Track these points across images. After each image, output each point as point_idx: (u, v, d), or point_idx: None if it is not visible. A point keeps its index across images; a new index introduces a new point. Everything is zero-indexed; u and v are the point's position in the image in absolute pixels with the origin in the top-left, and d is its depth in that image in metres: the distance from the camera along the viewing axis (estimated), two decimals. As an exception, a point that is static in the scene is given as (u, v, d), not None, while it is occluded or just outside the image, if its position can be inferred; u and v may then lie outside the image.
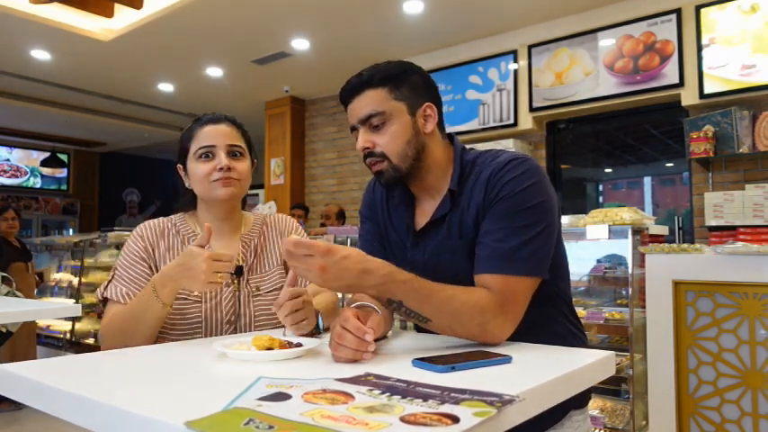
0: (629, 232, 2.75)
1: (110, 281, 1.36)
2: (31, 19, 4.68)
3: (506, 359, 0.91)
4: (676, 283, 2.44)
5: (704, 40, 3.92)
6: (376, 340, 1.10)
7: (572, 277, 1.29)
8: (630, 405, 2.70)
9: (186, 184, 1.42)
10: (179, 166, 1.43)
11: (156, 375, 0.88)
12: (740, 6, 3.80)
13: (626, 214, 2.81)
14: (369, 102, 1.15)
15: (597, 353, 0.96)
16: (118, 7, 4.82)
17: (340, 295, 1.69)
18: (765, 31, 3.72)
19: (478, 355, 0.93)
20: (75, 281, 5.65)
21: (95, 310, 5.50)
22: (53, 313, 3.10)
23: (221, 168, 1.33)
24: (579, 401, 1.17)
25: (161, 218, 1.45)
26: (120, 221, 10.64)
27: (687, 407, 2.40)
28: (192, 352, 1.07)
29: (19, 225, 4.75)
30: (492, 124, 4.91)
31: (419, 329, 1.28)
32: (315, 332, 1.19)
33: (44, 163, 9.87)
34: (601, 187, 5.75)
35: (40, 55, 5.56)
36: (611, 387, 2.89)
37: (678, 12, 4.05)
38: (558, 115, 4.73)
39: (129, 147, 10.27)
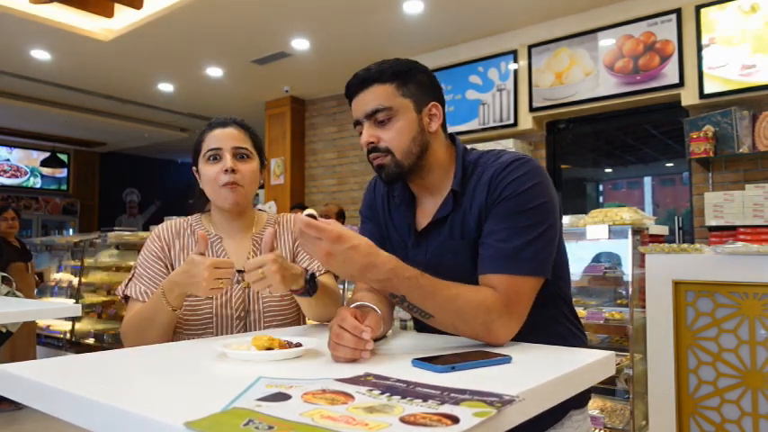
0: (629, 232, 2.75)
1: (130, 279, 1.43)
2: (31, 19, 4.68)
3: (506, 359, 0.90)
4: (676, 283, 2.44)
5: (704, 40, 3.92)
6: (376, 340, 1.10)
7: (572, 277, 1.29)
8: (630, 405, 2.70)
9: (201, 186, 1.48)
10: (193, 168, 1.50)
11: (156, 375, 0.88)
12: (740, 6, 3.80)
13: (626, 214, 2.81)
14: (376, 96, 1.14)
15: (597, 353, 0.96)
16: (118, 7, 4.82)
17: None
18: (765, 31, 3.72)
19: (478, 355, 0.93)
20: (75, 281, 5.66)
21: (95, 310, 5.50)
22: (53, 313, 3.09)
23: (227, 170, 1.38)
24: (579, 401, 1.17)
25: (179, 218, 1.53)
26: (120, 221, 10.64)
27: (687, 407, 2.40)
28: (191, 352, 1.07)
29: (19, 225, 4.75)
30: (492, 124, 4.91)
31: (419, 329, 1.28)
32: (306, 290, 1.24)
33: (44, 163, 9.87)
34: (601, 187, 5.75)
35: (40, 55, 5.56)
36: (611, 387, 2.89)
37: (678, 12, 4.05)
38: (558, 115, 4.73)
39: (129, 147, 10.27)
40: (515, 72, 4.82)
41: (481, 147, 1.30)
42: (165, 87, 6.62)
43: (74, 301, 5.32)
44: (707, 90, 3.89)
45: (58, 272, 6.14)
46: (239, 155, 1.42)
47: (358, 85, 1.16)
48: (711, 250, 2.37)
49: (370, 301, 1.10)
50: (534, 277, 1.07)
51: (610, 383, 2.84)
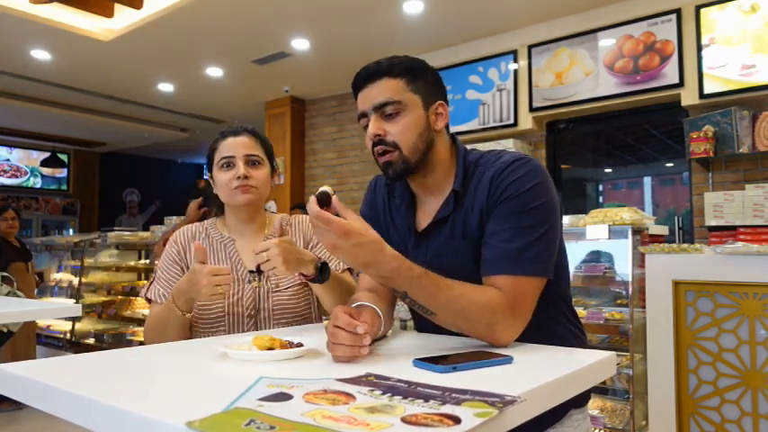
0: (629, 232, 2.75)
1: (151, 282, 1.54)
2: (31, 19, 4.67)
3: (507, 359, 0.91)
4: (676, 283, 2.44)
5: (704, 40, 3.92)
6: (376, 340, 1.11)
7: (572, 277, 1.30)
8: (630, 405, 2.70)
9: (215, 191, 1.56)
10: (208, 174, 1.59)
11: (157, 375, 0.88)
12: (740, 6, 3.80)
13: (626, 214, 2.81)
14: (385, 89, 1.14)
15: (598, 353, 0.96)
16: (118, 7, 4.81)
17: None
18: (765, 31, 3.72)
19: (480, 356, 0.93)
20: (76, 281, 5.66)
21: (95, 310, 5.50)
22: (53, 313, 3.10)
23: (239, 177, 1.46)
24: (579, 401, 1.17)
25: (196, 223, 1.63)
26: (120, 221, 10.64)
27: (687, 407, 2.40)
28: (192, 352, 1.07)
29: (19, 225, 4.75)
30: (492, 124, 4.91)
31: (420, 329, 1.28)
32: (317, 277, 1.34)
33: (44, 163, 9.87)
34: (601, 187, 5.75)
35: (40, 55, 5.56)
36: (612, 387, 2.89)
37: (678, 12, 4.05)
38: (558, 115, 4.73)
39: (129, 147, 10.26)
40: (515, 72, 4.82)
41: (481, 147, 1.30)
42: (165, 87, 6.62)
43: (74, 301, 5.33)
44: (707, 90, 3.89)
45: (58, 272, 6.15)
46: (251, 161, 1.50)
47: (368, 77, 1.16)
48: (711, 250, 2.37)
49: (369, 300, 1.10)
50: (538, 277, 1.07)
51: (610, 383, 2.84)
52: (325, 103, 6.81)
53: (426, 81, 1.18)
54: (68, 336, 5.48)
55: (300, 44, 5.20)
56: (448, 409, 0.61)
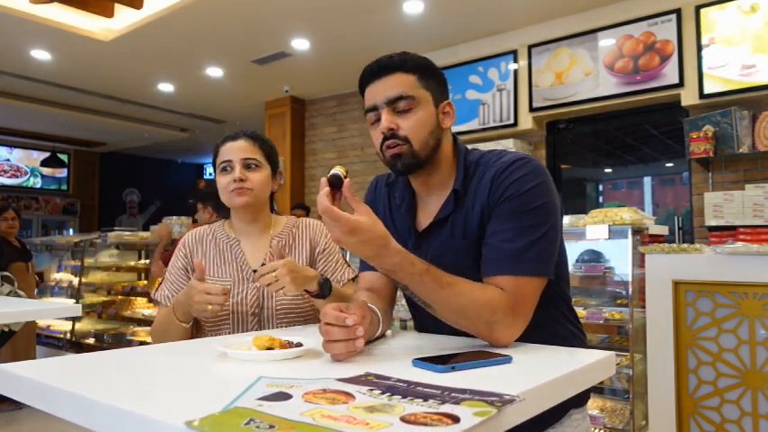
0: (629, 232, 2.75)
1: (160, 284, 1.62)
2: (31, 19, 4.68)
3: (506, 359, 0.91)
4: (676, 283, 2.44)
5: (704, 40, 3.92)
6: (374, 339, 1.11)
7: (572, 277, 1.30)
8: (630, 405, 2.70)
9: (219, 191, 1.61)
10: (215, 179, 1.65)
11: (157, 375, 0.88)
12: (740, 6, 3.80)
13: (626, 214, 2.81)
14: (398, 83, 1.13)
15: (598, 353, 0.96)
16: (118, 7, 4.82)
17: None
18: (765, 31, 3.72)
19: (479, 355, 0.93)
20: (76, 281, 5.66)
21: (95, 310, 5.50)
22: (53, 313, 3.10)
23: (236, 180, 1.51)
24: (579, 400, 1.17)
25: (205, 225, 1.68)
26: (120, 221, 10.64)
27: (687, 407, 2.40)
28: (192, 352, 1.07)
29: (19, 225, 4.75)
30: (492, 124, 4.91)
31: (420, 329, 1.28)
32: (320, 293, 1.40)
33: (44, 163, 9.87)
34: (601, 187, 5.75)
35: (40, 55, 5.56)
36: (611, 387, 2.89)
37: (678, 12, 4.05)
38: (558, 115, 4.73)
39: (129, 147, 10.27)
40: (515, 72, 4.82)
41: (481, 147, 1.30)
42: (165, 87, 6.62)
43: (74, 301, 5.33)
44: (707, 90, 3.89)
45: (58, 272, 6.15)
46: (248, 165, 1.54)
47: (381, 70, 1.15)
48: (711, 250, 2.37)
49: (367, 300, 1.11)
50: (539, 278, 1.07)
51: (610, 383, 2.84)
52: (325, 103, 6.81)
53: (436, 79, 1.18)
54: (68, 336, 5.48)
55: (300, 44, 5.21)
56: (447, 408, 0.62)
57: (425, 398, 0.66)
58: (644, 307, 2.62)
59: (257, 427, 0.54)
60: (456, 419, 0.57)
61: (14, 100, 6.99)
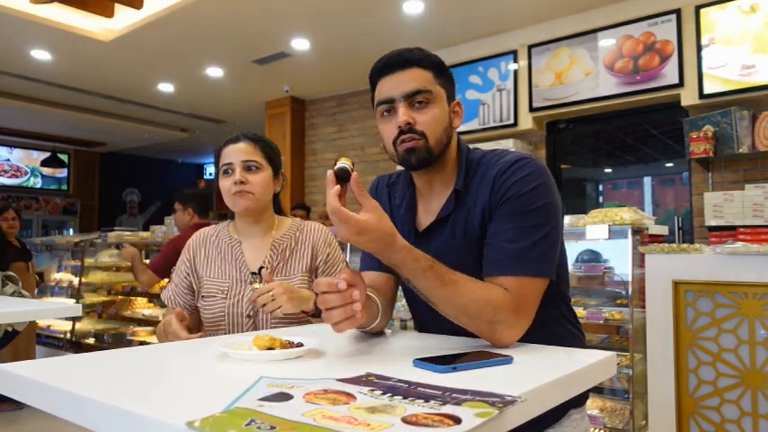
0: (629, 232, 2.75)
1: (168, 283, 1.69)
2: (31, 19, 4.68)
3: (507, 359, 0.91)
4: (676, 283, 2.44)
5: (704, 41, 3.92)
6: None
7: (572, 277, 1.30)
8: (630, 405, 2.70)
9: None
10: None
11: (158, 375, 0.88)
12: (740, 6, 3.80)
13: (626, 214, 2.81)
14: (416, 78, 1.13)
15: (598, 353, 0.96)
16: (118, 7, 4.82)
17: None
18: (765, 31, 3.72)
19: (480, 356, 0.93)
20: (76, 281, 5.65)
21: (95, 310, 5.50)
22: (53, 313, 3.10)
23: (236, 182, 1.53)
24: (578, 400, 1.17)
25: (212, 226, 1.71)
26: (121, 221, 10.64)
27: (687, 407, 2.40)
28: (192, 352, 1.07)
29: (19, 225, 4.75)
30: (492, 124, 4.91)
31: (420, 329, 1.28)
32: (316, 312, 1.38)
33: (44, 163, 9.87)
34: (601, 187, 5.75)
35: (40, 55, 5.56)
36: (611, 387, 2.89)
37: (678, 12, 4.05)
38: (558, 115, 4.73)
39: (129, 147, 10.27)
40: (515, 72, 4.82)
41: (482, 147, 1.30)
42: (165, 87, 6.62)
43: (74, 300, 5.32)
44: (707, 90, 3.89)
45: (58, 272, 6.14)
46: (248, 167, 1.55)
47: (400, 63, 1.14)
48: (711, 250, 2.37)
49: (370, 292, 1.12)
50: (541, 278, 1.07)
51: (609, 383, 2.84)
52: (325, 103, 6.81)
53: (449, 78, 1.19)
54: (68, 336, 5.48)
55: (300, 44, 5.21)
56: (448, 409, 0.62)
57: (427, 398, 0.66)
58: (644, 307, 2.62)
59: (258, 427, 0.54)
60: (457, 420, 0.57)
61: (14, 100, 6.99)
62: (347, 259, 1.75)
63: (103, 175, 10.88)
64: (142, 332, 5.13)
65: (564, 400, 0.82)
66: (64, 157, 10.29)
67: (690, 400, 2.40)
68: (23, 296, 3.01)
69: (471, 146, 1.28)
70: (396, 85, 1.13)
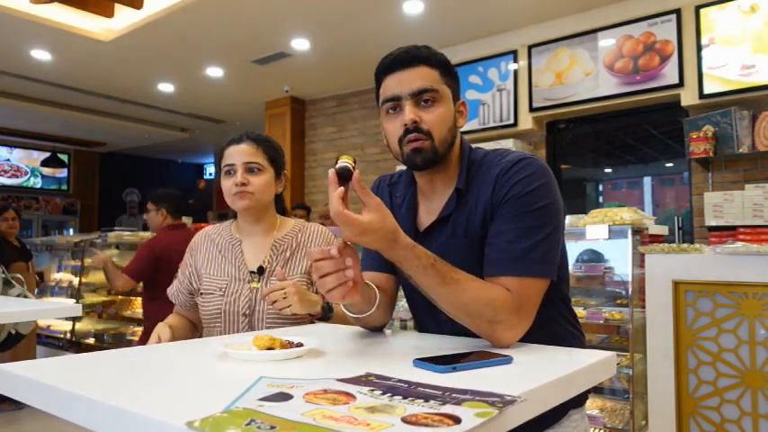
0: (629, 232, 2.75)
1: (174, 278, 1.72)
2: (31, 19, 4.68)
3: (507, 359, 0.91)
4: (676, 283, 2.44)
5: (704, 41, 3.92)
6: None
7: (572, 277, 1.30)
8: (630, 405, 2.70)
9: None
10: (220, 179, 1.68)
11: (157, 375, 0.88)
12: (740, 6, 3.80)
13: (626, 214, 2.81)
14: (423, 76, 1.12)
15: (598, 353, 0.96)
16: (118, 7, 4.82)
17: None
18: (765, 31, 3.72)
19: (479, 356, 0.93)
20: (76, 281, 5.65)
21: (95, 310, 5.50)
22: (53, 313, 3.10)
23: (237, 183, 1.54)
24: (578, 400, 1.17)
25: (217, 224, 1.73)
26: (121, 221, 10.64)
27: (687, 407, 2.40)
28: (192, 352, 1.07)
29: (19, 225, 4.75)
30: (492, 124, 4.91)
31: (420, 329, 1.28)
32: (323, 316, 1.47)
33: (44, 163, 9.87)
34: (601, 187, 5.75)
35: (40, 55, 5.56)
36: (611, 387, 2.89)
37: (678, 12, 4.05)
38: (558, 115, 4.73)
39: (129, 147, 10.27)
40: (515, 72, 4.82)
41: (483, 147, 1.30)
42: (165, 87, 6.62)
43: (74, 300, 5.32)
44: (707, 90, 3.89)
45: (58, 272, 6.14)
46: (250, 169, 1.56)
47: (407, 61, 1.13)
48: (711, 250, 2.37)
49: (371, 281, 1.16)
50: (542, 279, 1.06)
51: (609, 383, 2.84)
52: (325, 103, 6.81)
53: (454, 78, 1.19)
54: (68, 336, 5.48)
55: (300, 44, 5.21)
56: (448, 409, 0.62)
57: (426, 398, 0.66)
58: (644, 307, 2.62)
59: (258, 427, 0.54)
60: (457, 420, 0.57)
61: (14, 100, 6.99)
62: None
63: (103, 175, 10.88)
64: (142, 332, 5.12)
65: (564, 400, 0.82)
66: (64, 157, 10.29)
67: (690, 400, 2.40)
68: (28, 298, 3.01)
69: (474, 146, 1.27)
70: (402, 82, 1.12)
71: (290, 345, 0.98)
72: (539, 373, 0.85)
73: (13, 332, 2.95)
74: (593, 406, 2.86)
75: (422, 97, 1.12)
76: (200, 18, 4.65)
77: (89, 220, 10.52)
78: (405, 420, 0.57)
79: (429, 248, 1.04)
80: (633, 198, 5.62)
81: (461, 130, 1.23)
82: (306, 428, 0.54)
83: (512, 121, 4.80)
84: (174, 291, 1.68)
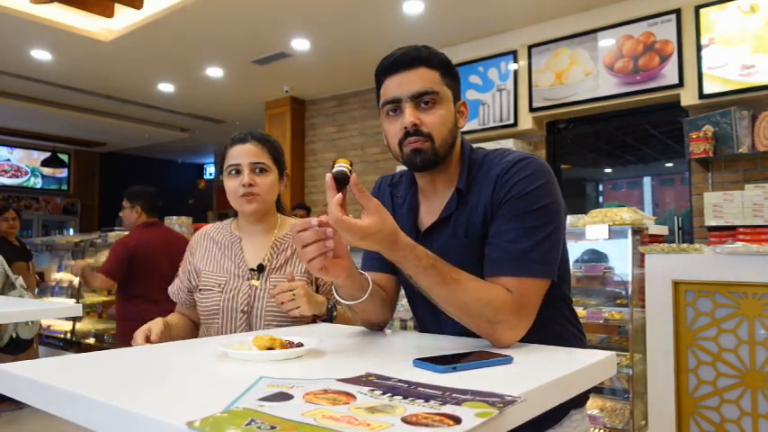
0: (629, 232, 2.75)
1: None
2: (31, 19, 4.68)
3: (507, 359, 0.91)
4: (676, 283, 2.44)
5: (704, 41, 3.92)
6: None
7: (572, 277, 1.30)
8: (630, 405, 2.70)
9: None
10: (221, 178, 1.65)
11: (158, 375, 0.88)
12: (740, 6, 3.81)
13: (626, 214, 2.81)
14: (423, 78, 1.12)
15: (598, 353, 0.96)
16: (118, 7, 4.82)
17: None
18: (765, 31, 3.72)
19: (479, 356, 0.93)
20: (76, 281, 5.65)
21: (96, 310, 5.50)
22: (54, 313, 3.10)
23: (244, 185, 1.53)
24: (579, 400, 1.17)
25: (217, 223, 1.71)
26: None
27: (687, 407, 2.40)
28: (192, 352, 1.07)
29: (19, 225, 4.75)
30: (492, 124, 4.91)
31: (420, 329, 1.29)
32: (326, 317, 1.47)
33: (44, 163, 9.87)
34: (601, 187, 5.75)
35: (40, 55, 5.56)
36: (611, 387, 2.89)
37: (678, 12, 4.05)
38: (558, 115, 4.73)
39: (129, 147, 10.27)
40: (515, 72, 4.82)
41: (483, 147, 1.30)
42: (166, 87, 6.62)
43: (74, 300, 5.32)
44: (706, 90, 3.89)
45: (58, 272, 6.13)
46: (256, 169, 1.55)
47: (407, 62, 1.12)
48: (711, 250, 2.37)
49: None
50: (543, 279, 1.06)
51: (609, 383, 2.85)
52: (325, 104, 6.81)
53: (455, 78, 1.18)
54: (69, 336, 5.48)
55: (300, 44, 5.21)
56: (448, 409, 0.62)
57: (427, 398, 0.66)
58: (644, 307, 2.62)
59: (258, 427, 0.54)
60: (457, 420, 0.57)
61: (14, 100, 6.99)
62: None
63: (103, 175, 10.88)
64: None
65: (564, 400, 0.82)
66: (64, 157, 10.28)
67: (690, 400, 2.40)
68: (23, 297, 3.01)
69: (474, 146, 1.27)
70: (402, 84, 1.12)
71: (290, 345, 0.98)
72: (539, 373, 0.85)
73: (14, 335, 2.94)
74: (593, 406, 2.86)
75: (422, 99, 1.12)
76: (200, 18, 4.65)
77: (89, 220, 10.51)
78: (405, 420, 0.57)
79: (430, 249, 1.04)
80: (633, 198, 5.62)
81: (462, 130, 1.23)
82: (306, 428, 0.54)
83: (512, 121, 4.80)
84: (176, 289, 1.68)
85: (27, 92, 6.83)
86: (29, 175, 9.98)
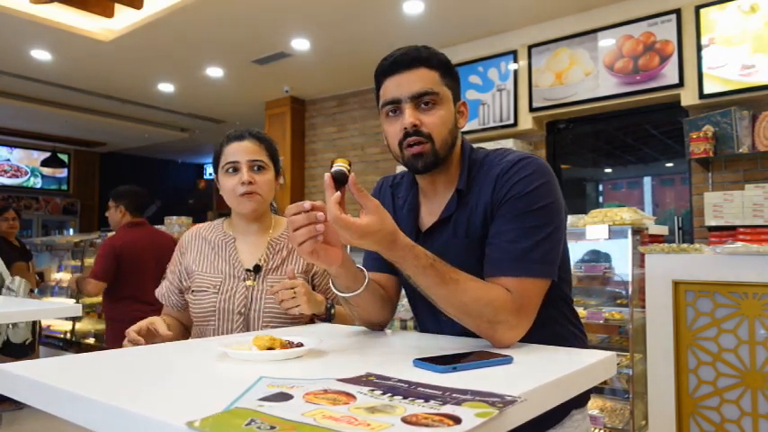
0: (629, 232, 2.75)
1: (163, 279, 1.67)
2: (31, 19, 4.67)
3: (507, 359, 0.91)
4: (676, 283, 2.44)
5: (704, 41, 3.92)
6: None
7: (573, 277, 1.30)
8: (630, 405, 2.70)
9: (221, 192, 1.60)
10: (215, 176, 1.62)
11: (157, 375, 0.88)
12: (740, 6, 3.80)
13: (626, 214, 2.81)
14: (423, 78, 1.12)
15: (598, 353, 0.96)
16: (118, 7, 4.81)
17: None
18: (765, 31, 3.72)
19: (480, 356, 0.93)
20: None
21: (96, 310, 5.50)
22: (54, 313, 3.10)
23: (243, 182, 1.50)
24: (580, 400, 1.17)
25: (208, 222, 1.67)
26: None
27: (687, 407, 2.40)
28: (192, 352, 1.07)
29: (19, 225, 4.75)
30: (492, 124, 4.91)
31: (420, 329, 1.29)
32: (325, 317, 1.47)
33: (44, 163, 9.86)
34: (601, 187, 5.75)
35: (40, 55, 5.56)
36: (611, 387, 2.89)
37: (678, 12, 4.05)
38: (558, 115, 4.73)
39: (129, 147, 10.26)
40: (515, 72, 4.82)
41: (483, 147, 1.30)
42: (166, 87, 6.62)
43: (74, 300, 5.32)
44: (707, 90, 3.89)
45: (58, 272, 6.14)
46: (255, 167, 1.53)
47: (407, 63, 1.12)
48: (711, 250, 2.37)
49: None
50: (543, 279, 1.06)
51: (609, 383, 2.85)
52: (325, 104, 6.81)
53: (454, 78, 1.18)
54: (69, 336, 5.48)
55: (300, 44, 5.20)
56: (448, 409, 0.62)
57: (427, 398, 0.66)
58: (644, 307, 2.62)
59: (258, 427, 0.54)
60: (457, 420, 0.57)
61: (14, 100, 6.98)
62: None
63: (103, 175, 10.87)
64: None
65: (564, 400, 0.82)
66: (64, 157, 10.28)
67: (690, 400, 2.40)
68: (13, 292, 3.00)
69: (475, 146, 1.27)
70: (402, 85, 1.12)
71: (290, 345, 0.98)
72: (539, 373, 0.85)
73: (6, 338, 2.93)
74: (593, 406, 2.86)
75: (422, 100, 1.12)
76: (200, 18, 4.65)
77: (89, 220, 10.51)
78: (405, 420, 0.57)
79: (430, 249, 1.04)
80: (633, 198, 5.62)
81: (462, 130, 1.23)
82: (306, 428, 0.54)
83: (512, 121, 4.80)
84: (165, 291, 1.62)
85: (27, 92, 6.83)
86: (29, 175, 9.98)
